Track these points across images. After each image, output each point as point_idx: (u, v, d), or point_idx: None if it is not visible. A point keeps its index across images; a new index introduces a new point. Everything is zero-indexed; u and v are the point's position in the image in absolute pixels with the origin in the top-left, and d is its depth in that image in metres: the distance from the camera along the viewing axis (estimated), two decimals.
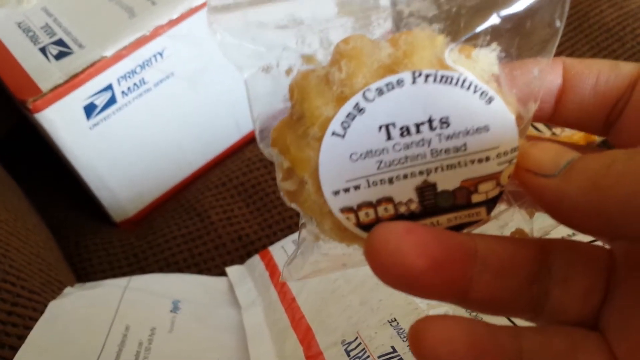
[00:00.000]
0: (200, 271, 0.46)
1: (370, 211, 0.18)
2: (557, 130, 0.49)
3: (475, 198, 0.19)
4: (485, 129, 0.18)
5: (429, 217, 0.19)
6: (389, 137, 0.18)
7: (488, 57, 0.18)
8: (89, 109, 0.43)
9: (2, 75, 0.43)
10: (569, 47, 0.57)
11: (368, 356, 0.27)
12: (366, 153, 0.18)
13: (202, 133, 0.52)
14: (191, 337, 0.37)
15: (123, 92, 0.44)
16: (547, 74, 0.20)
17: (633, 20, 0.57)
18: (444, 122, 0.18)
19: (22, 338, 0.31)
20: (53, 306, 0.35)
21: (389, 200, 0.18)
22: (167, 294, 0.40)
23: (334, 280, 0.35)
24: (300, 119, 0.19)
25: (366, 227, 0.19)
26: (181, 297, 0.40)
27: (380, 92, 0.17)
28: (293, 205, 0.20)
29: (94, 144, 0.45)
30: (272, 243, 0.46)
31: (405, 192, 0.18)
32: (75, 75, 0.42)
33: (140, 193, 0.50)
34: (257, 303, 0.40)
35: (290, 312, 0.35)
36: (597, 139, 0.49)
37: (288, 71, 0.19)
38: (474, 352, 0.17)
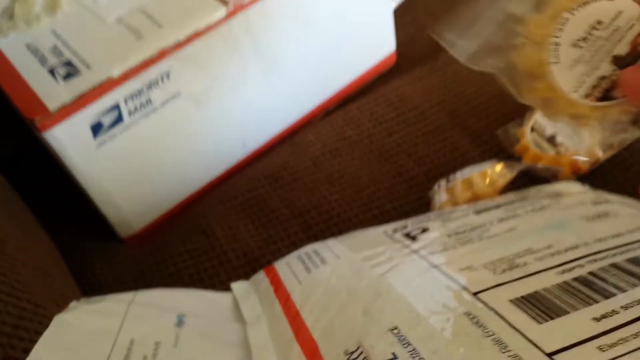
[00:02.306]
0: (205, 287, 0.46)
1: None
2: (562, 149, 0.49)
3: None
4: None
5: None
6: None
7: None
8: (96, 128, 0.44)
9: (11, 94, 0.44)
10: None
11: None
12: None
13: (208, 152, 0.52)
14: (196, 352, 0.37)
15: (130, 112, 0.45)
16: None
17: None
18: None
19: (27, 352, 0.31)
20: (58, 320, 0.35)
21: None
22: (172, 308, 0.41)
23: (338, 292, 0.35)
24: None
25: None
26: (186, 312, 0.41)
27: None
28: None
29: (100, 162, 0.46)
30: (277, 259, 0.47)
31: None
32: (83, 95, 0.43)
33: (146, 209, 0.51)
34: (262, 318, 0.40)
35: (294, 324, 0.36)
36: (602, 156, 0.49)
37: None
38: None
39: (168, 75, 0.46)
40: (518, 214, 0.38)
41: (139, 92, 0.45)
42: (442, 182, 0.49)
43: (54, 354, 0.33)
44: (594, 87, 0.31)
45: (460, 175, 0.48)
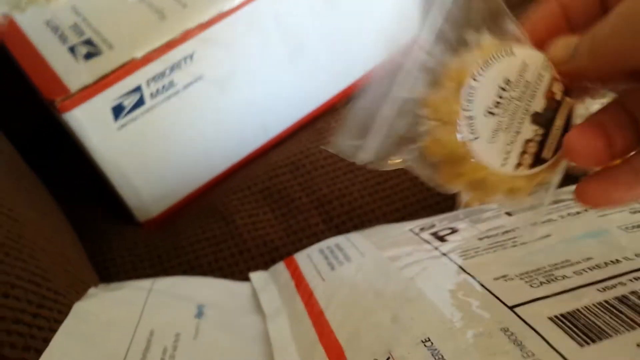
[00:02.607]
0: (224, 276, 0.45)
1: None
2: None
3: (557, 95, 0.26)
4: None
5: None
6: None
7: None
8: (117, 110, 0.43)
9: (31, 73, 0.43)
10: None
11: None
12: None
13: (229, 136, 0.51)
14: (216, 345, 0.36)
15: (151, 94, 0.44)
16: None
17: None
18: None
19: (47, 341, 0.31)
20: (78, 308, 0.35)
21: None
22: (191, 298, 0.40)
23: (364, 293, 0.34)
24: None
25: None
26: (206, 302, 0.40)
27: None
28: None
29: (120, 145, 0.45)
30: (297, 250, 0.46)
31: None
32: (105, 76, 0.41)
33: (165, 193, 0.50)
34: (282, 312, 0.39)
35: (318, 326, 0.35)
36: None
37: None
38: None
39: (191, 57, 0.45)
40: (552, 219, 0.37)
41: (162, 75, 0.44)
42: None
43: (74, 343, 0.32)
44: (523, 153, 0.26)
45: None
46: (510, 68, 0.26)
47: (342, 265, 0.38)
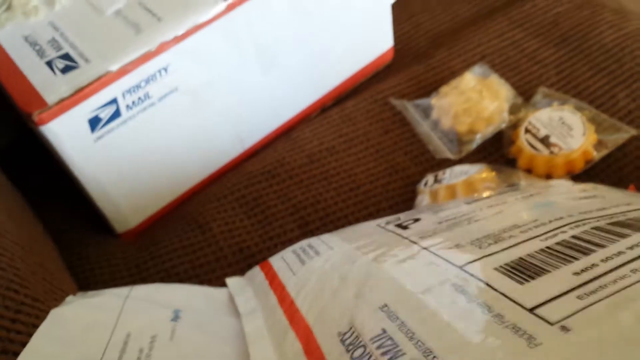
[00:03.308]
0: (201, 282, 0.46)
1: None
2: (555, 149, 0.50)
3: None
4: None
5: None
6: None
7: None
8: (94, 122, 0.44)
9: (8, 87, 0.44)
10: (569, 67, 0.57)
11: (361, 341, 0.28)
12: None
13: (205, 147, 0.52)
14: (192, 345, 0.37)
15: (127, 106, 0.45)
16: None
17: (632, 41, 0.58)
18: None
19: (25, 345, 0.31)
20: (54, 313, 0.35)
21: None
22: (168, 303, 0.41)
23: (330, 279, 0.36)
24: None
25: None
26: (182, 307, 0.41)
27: None
28: None
29: (97, 156, 0.46)
30: (273, 255, 0.47)
31: None
32: (81, 89, 0.42)
33: (142, 204, 0.51)
34: (257, 310, 0.40)
35: (289, 314, 0.36)
36: (596, 156, 0.50)
37: None
38: None
39: (166, 70, 0.46)
40: (507, 200, 0.39)
41: (137, 87, 0.45)
42: (430, 179, 0.50)
43: (50, 346, 0.33)
44: None
45: (449, 176, 0.49)
46: None
47: (312, 259, 0.40)
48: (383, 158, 0.54)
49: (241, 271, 0.47)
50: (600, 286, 0.24)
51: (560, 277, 0.26)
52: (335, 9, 0.54)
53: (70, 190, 0.51)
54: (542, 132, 0.51)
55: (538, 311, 0.24)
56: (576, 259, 0.27)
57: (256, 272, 0.45)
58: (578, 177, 0.50)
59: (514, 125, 0.54)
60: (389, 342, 0.26)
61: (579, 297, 0.24)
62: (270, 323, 0.37)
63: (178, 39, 0.45)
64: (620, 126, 0.52)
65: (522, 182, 0.49)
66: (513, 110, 0.55)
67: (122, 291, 0.42)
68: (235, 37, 0.49)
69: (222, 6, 0.46)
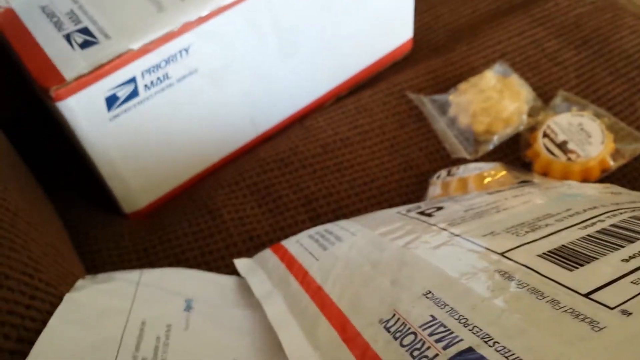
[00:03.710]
0: (210, 269, 0.46)
1: None
2: (573, 156, 0.49)
3: None
4: None
5: None
6: None
7: None
8: (111, 101, 0.43)
9: (25, 59, 0.43)
10: (589, 71, 0.57)
11: (409, 328, 0.27)
12: None
13: (220, 130, 0.51)
14: (207, 336, 0.37)
15: (146, 86, 0.44)
16: None
17: None
18: None
19: (39, 332, 0.31)
20: (69, 298, 0.35)
21: None
22: (179, 292, 0.40)
23: (359, 265, 0.35)
24: None
25: None
26: (193, 296, 0.40)
27: None
28: None
29: (112, 135, 0.45)
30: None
31: None
32: (101, 66, 0.41)
33: (153, 185, 0.50)
34: (275, 293, 0.39)
35: (318, 299, 0.35)
36: (612, 165, 0.50)
37: None
38: None
39: (187, 51, 0.45)
40: (531, 191, 0.39)
41: (157, 66, 0.44)
42: (443, 173, 0.49)
43: (69, 329, 0.32)
44: None
45: (462, 171, 0.48)
46: None
47: (333, 245, 0.39)
48: (398, 153, 0.53)
49: None
50: None
51: (610, 264, 0.26)
52: None
53: (78, 167, 0.50)
54: (560, 137, 0.51)
55: (594, 296, 0.24)
56: (622, 246, 0.27)
57: (267, 254, 0.44)
58: None
59: (532, 128, 0.53)
60: (441, 328, 0.26)
61: (635, 282, 0.24)
62: (296, 310, 0.36)
63: (201, 20, 0.44)
64: (638, 136, 0.52)
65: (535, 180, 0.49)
66: (532, 112, 0.54)
67: (133, 276, 0.41)
68: (256, 20, 0.47)
69: None
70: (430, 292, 0.28)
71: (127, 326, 0.34)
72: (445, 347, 0.24)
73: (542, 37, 0.61)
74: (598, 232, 0.29)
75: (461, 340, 0.24)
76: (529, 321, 0.23)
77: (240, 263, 0.44)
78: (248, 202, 0.50)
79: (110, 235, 0.48)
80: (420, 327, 0.27)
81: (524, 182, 0.47)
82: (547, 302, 0.24)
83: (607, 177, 0.50)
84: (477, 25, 0.64)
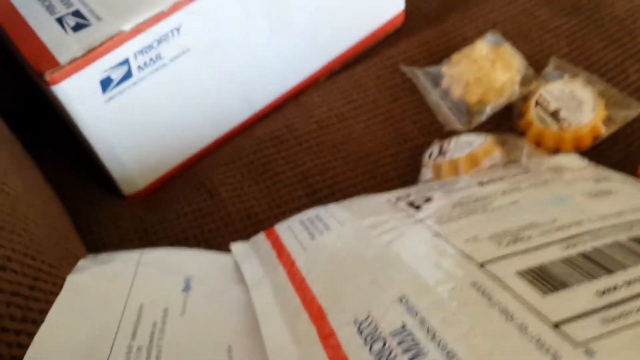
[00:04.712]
0: (209, 247, 0.46)
1: None
2: (565, 124, 0.50)
3: None
4: None
5: None
6: None
7: None
8: (105, 83, 0.43)
9: (18, 43, 0.43)
10: (580, 38, 0.57)
11: (380, 333, 0.28)
12: None
13: (215, 109, 0.52)
14: (203, 319, 0.37)
15: (139, 67, 0.44)
16: None
17: None
18: None
19: (43, 312, 0.31)
20: (70, 281, 0.35)
21: None
22: (179, 271, 0.41)
23: (343, 259, 0.36)
24: None
25: None
26: (192, 275, 0.41)
27: None
28: None
29: (108, 117, 0.45)
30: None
31: None
32: (94, 49, 0.41)
33: (151, 166, 0.51)
34: (265, 282, 0.40)
35: (300, 292, 0.36)
36: (604, 133, 0.50)
37: None
38: None
39: (179, 30, 0.45)
40: (521, 187, 0.39)
41: (149, 47, 0.44)
42: (435, 150, 0.49)
43: (68, 318, 0.33)
44: None
45: (454, 147, 0.48)
46: None
47: (322, 234, 0.40)
48: (392, 127, 0.54)
49: (248, 237, 0.47)
50: (624, 313, 0.24)
51: (584, 295, 0.26)
52: None
53: (76, 150, 0.51)
54: (553, 106, 0.51)
55: (563, 327, 0.24)
56: (599, 276, 0.27)
57: (261, 239, 0.44)
58: (585, 153, 0.50)
59: (525, 98, 0.54)
60: (410, 338, 0.26)
61: (604, 321, 0.24)
62: (281, 299, 0.37)
63: None
64: (630, 102, 0.52)
65: (524, 158, 0.49)
66: (524, 81, 0.54)
67: (134, 256, 0.42)
68: None
69: None
70: (405, 298, 0.29)
71: (124, 312, 0.35)
72: (411, 359, 0.25)
73: (533, 5, 0.61)
74: (579, 255, 0.29)
75: (426, 353, 0.25)
76: (495, 345, 0.24)
77: (236, 247, 0.45)
78: (245, 180, 0.50)
79: (110, 217, 0.48)
80: (390, 333, 0.27)
81: (519, 166, 0.47)
82: (516, 327, 0.24)
83: (599, 144, 0.51)
84: None
